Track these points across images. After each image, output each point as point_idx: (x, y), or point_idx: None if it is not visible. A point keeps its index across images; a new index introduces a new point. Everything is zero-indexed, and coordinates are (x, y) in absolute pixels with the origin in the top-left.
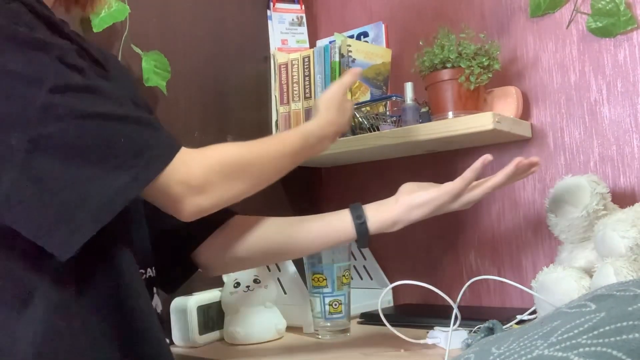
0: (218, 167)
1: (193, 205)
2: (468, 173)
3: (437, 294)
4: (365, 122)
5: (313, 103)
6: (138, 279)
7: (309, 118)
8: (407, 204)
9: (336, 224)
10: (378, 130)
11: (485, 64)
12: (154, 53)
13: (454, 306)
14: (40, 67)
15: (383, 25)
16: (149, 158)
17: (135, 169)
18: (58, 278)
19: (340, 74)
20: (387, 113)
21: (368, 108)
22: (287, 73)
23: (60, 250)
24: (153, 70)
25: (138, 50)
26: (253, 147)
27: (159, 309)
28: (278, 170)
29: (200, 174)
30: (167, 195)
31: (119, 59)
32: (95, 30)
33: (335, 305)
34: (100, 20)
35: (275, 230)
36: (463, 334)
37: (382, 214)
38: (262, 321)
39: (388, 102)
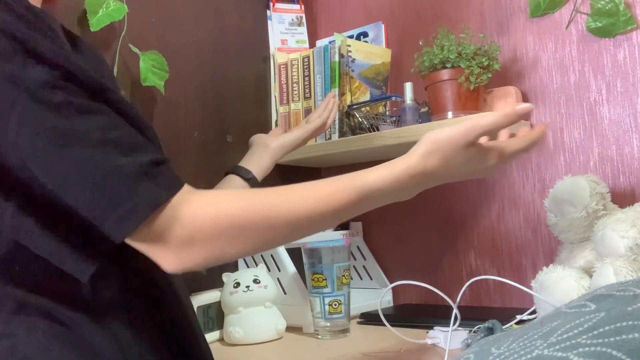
0: (211, 223)
1: (173, 262)
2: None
3: (436, 294)
4: (365, 122)
5: (314, 103)
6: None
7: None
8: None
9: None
10: (378, 130)
11: (485, 64)
12: (152, 53)
13: (454, 306)
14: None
15: (383, 25)
16: (128, 208)
17: (109, 220)
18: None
19: (340, 74)
20: (387, 113)
21: (368, 108)
22: (286, 73)
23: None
24: (151, 70)
25: (136, 49)
26: (267, 201)
27: None
28: (300, 233)
29: (188, 228)
30: (146, 245)
31: (116, 58)
32: (92, 29)
33: (335, 305)
34: (98, 20)
35: None
36: (463, 334)
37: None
38: (262, 321)
39: (388, 102)
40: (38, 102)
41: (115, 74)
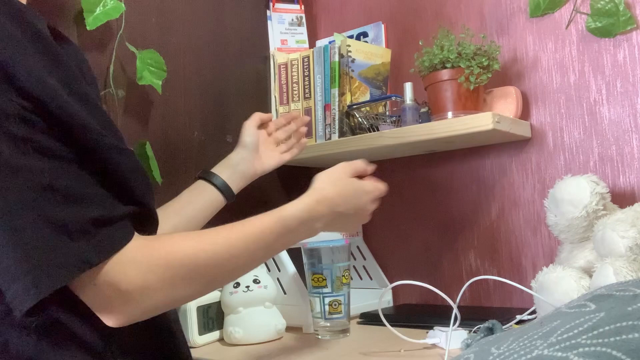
0: (161, 269)
1: (122, 314)
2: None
3: (436, 294)
4: (365, 122)
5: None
6: None
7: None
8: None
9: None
10: (377, 130)
11: (485, 64)
12: (149, 51)
13: (454, 306)
14: None
15: (383, 26)
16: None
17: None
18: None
19: (339, 74)
20: (387, 113)
21: (368, 108)
22: (286, 73)
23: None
24: (147, 69)
25: (133, 48)
26: (210, 241)
27: None
28: (241, 269)
29: (135, 277)
30: (90, 298)
31: (113, 57)
32: (89, 27)
33: (335, 305)
34: (94, 18)
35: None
36: (463, 334)
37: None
38: (262, 321)
39: (387, 102)
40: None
41: (111, 73)
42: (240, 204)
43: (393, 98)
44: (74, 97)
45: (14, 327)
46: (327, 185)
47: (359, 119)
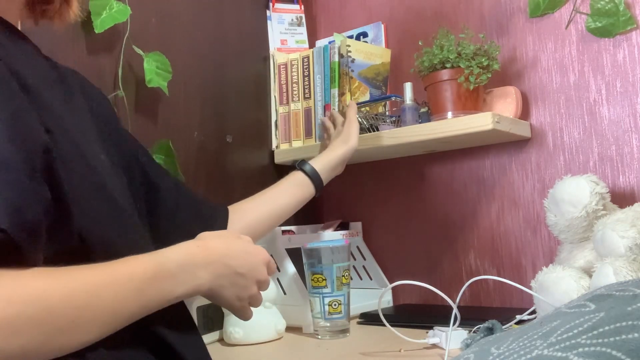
0: None
1: None
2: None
3: (436, 294)
4: (365, 122)
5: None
6: None
7: (308, 119)
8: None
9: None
10: (377, 130)
11: (485, 64)
12: (155, 54)
13: (454, 306)
14: None
15: (382, 26)
16: None
17: None
18: None
19: (339, 75)
20: (387, 113)
21: (367, 108)
22: (286, 73)
23: None
24: (155, 71)
25: (139, 51)
26: (55, 283)
27: None
28: (94, 322)
29: None
30: None
31: (121, 60)
32: (97, 31)
33: (335, 305)
34: (102, 22)
35: (263, 207)
36: (462, 334)
37: (324, 157)
38: (262, 321)
39: (387, 102)
40: None
41: (120, 75)
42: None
43: (393, 98)
44: None
45: None
46: (209, 236)
47: (359, 119)
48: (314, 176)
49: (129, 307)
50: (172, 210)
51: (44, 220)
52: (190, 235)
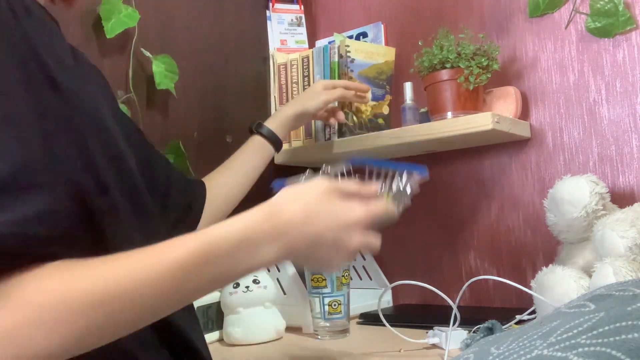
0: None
1: None
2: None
3: (436, 294)
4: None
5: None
6: None
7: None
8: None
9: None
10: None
11: (484, 64)
12: (163, 56)
13: (454, 306)
14: None
15: (382, 26)
16: None
17: None
18: None
19: (339, 75)
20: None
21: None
22: (286, 73)
23: None
24: (164, 74)
25: (148, 53)
26: (102, 276)
27: None
28: (143, 313)
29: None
30: None
31: (130, 62)
32: (108, 36)
33: (335, 305)
34: (112, 27)
35: (234, 178)
36: (462, 334)
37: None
38: (262, 322)
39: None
40: None
41: (130, 77)
42: (241, 207)
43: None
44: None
45: None
46: (284, 200)
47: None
48: (272, 137)
49: (169, 303)
50: (165, 186)
51: (72, 230)
52: (176, 210)
